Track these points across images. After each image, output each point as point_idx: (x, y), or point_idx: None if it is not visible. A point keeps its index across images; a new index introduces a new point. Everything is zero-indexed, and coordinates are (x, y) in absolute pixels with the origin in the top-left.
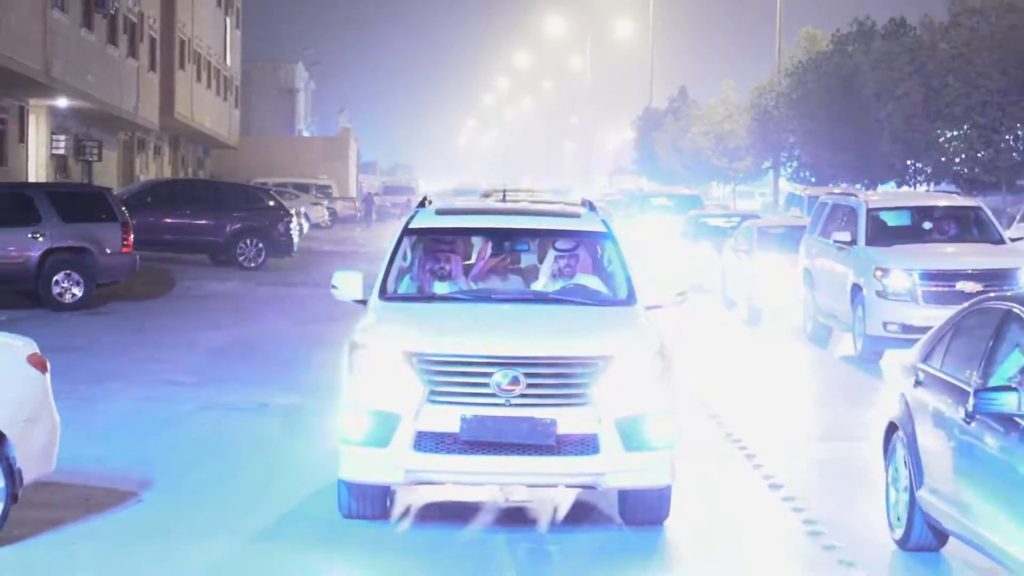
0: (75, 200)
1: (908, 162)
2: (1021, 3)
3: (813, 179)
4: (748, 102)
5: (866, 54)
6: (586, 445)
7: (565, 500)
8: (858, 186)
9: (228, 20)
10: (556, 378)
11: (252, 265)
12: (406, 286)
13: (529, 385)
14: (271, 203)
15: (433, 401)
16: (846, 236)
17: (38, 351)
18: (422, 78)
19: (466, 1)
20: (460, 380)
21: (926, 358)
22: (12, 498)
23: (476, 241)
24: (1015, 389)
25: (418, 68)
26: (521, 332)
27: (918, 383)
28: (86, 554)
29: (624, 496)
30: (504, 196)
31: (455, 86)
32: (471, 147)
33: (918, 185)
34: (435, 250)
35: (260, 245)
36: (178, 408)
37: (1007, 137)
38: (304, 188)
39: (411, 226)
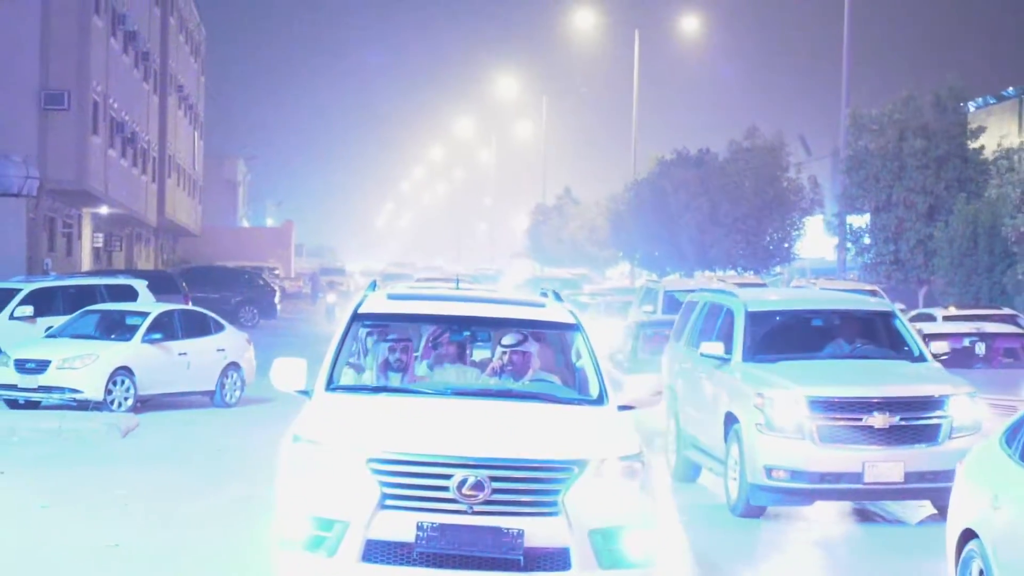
0: (156, 281)
1: (701, 256)
2: (773, 144)
3: (652, 266)
4: (606, 205)
5: (671, 178)
6: (556, 560)
7: None
8: (680, 273)
9: (195, 133)
10: (524, 483)
11: (250, 325)
12: (354, 377)
13: (495, 491)
14: (261, 282)
15: (386, 507)
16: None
17: (248, 336)
18: (342, 167)
19: (382, 96)
20: (417, 483)
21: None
22: (242, 390)
23: (423, 329)
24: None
25: (339, 158)
26: (486, 432)
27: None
28: (268, 411)
29: None
30: (458, 283)
31: (373, 175)
32: (388, 229)
33: (716, 271)
34: (385, 338)
35: (255, 311)
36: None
37: (766, 238)
38: (259, 270)
39: (361, 311)
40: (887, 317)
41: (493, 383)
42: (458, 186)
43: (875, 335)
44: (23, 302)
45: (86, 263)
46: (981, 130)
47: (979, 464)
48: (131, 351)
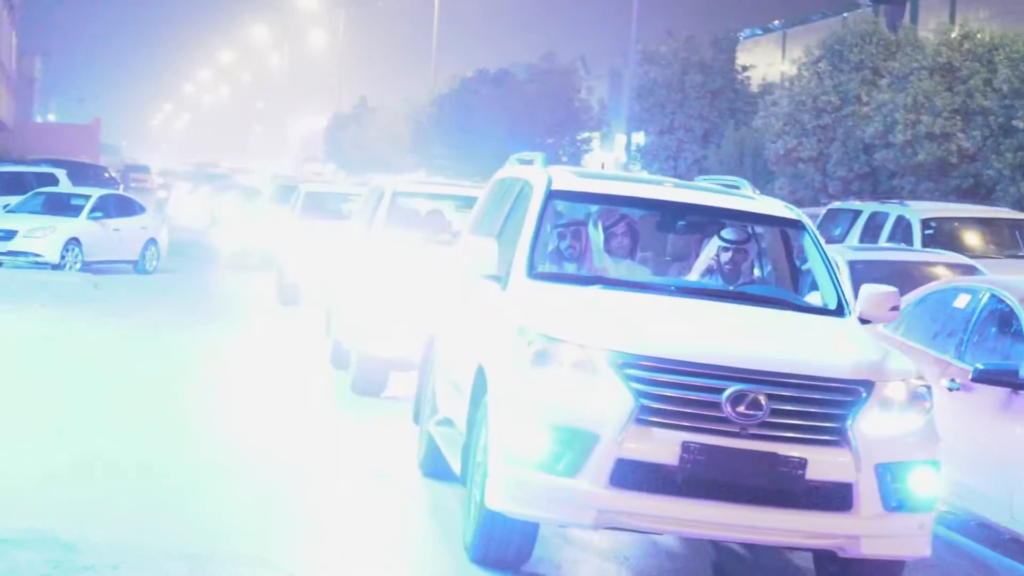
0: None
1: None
2: (567, 68)
3: (451, 173)
4: (407, 116)
5: (476, 96)
6: (838, 498)
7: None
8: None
9: (12, 32)
10: (808, 405)
11: None
12: (549, 264)
13: (773, 411)
14: (107, 176)
15: (643, 421)
16: None
17: (163, 218)
18: (122, 66)
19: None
20: (682, 396)
21: None
22: (158, 260)
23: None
24: None
25: (120, 58)
26: (758, 339)
27: None
28: (179, 278)
29: (845, 568)
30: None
31: (155, 75)
32: (164, 129)
33: None
34: (554, 224)
35: None
36: None
37: (560, 153)
38: (102, 167)
39: (556, 187)
40: None
41: (707, 282)
42: (247, 90)
43: None
44: None
45: None
46: (750, 67)
47: None
48: (80, 225)
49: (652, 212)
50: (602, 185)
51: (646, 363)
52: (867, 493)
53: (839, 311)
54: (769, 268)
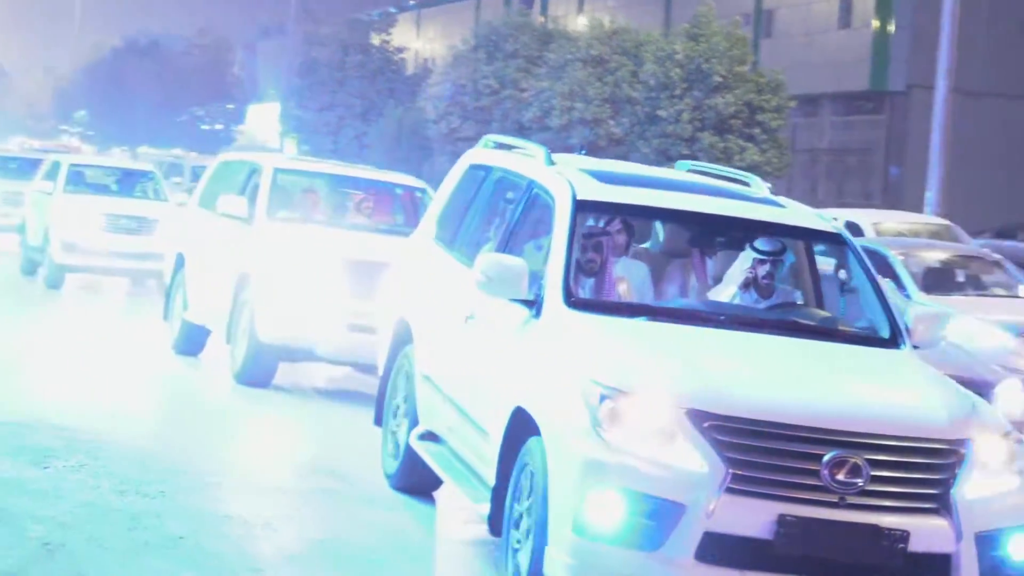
0: None
1: (155, 135)
2: (221, 44)
3: (99, 139)
4: (48, 83)
5: (130, 66)
6: (935, 570)
7: None
8: (125, 148)
9: None
10: (910, 470)
11: None
12: (581, 288)
13: (873, 478)
14: None
15: (734, 490)
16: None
17: None
18: None
19: None
20: (780, 463)
21: None
22: None
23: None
24: None
25: None
26: (854, 391)
27: None
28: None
29: None
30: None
31: None
32: None
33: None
34: (583, 232)
35: None
36: None
37: (213, 124)
38: None
39: (581, 198)
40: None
41: (752, 308)
42: None
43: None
44: None
45: None
46: (406, 48)
47: None
48: None
49: (687, 226)
50: (630, 194)
51: (739, 425)
52: (966, 564)
53: (896, 341)
54: (797, 283)
